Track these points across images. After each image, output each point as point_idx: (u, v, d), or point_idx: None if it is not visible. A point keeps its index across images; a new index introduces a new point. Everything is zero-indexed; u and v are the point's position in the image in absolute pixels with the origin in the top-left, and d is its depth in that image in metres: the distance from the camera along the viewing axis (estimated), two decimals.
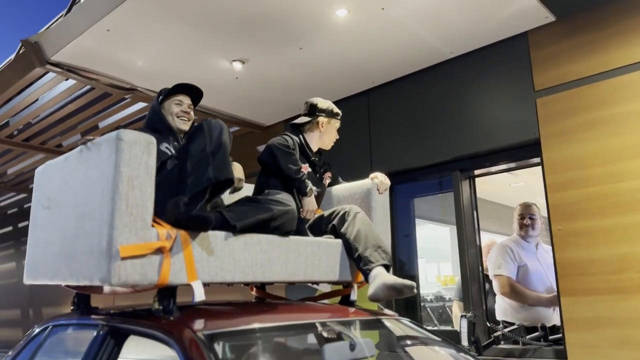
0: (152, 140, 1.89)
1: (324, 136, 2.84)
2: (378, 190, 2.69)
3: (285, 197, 2.32)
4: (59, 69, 3.70)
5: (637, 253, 2.78)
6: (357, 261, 2.35)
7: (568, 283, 2.98)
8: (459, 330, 3.07)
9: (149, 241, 1.79)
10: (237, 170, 2.44)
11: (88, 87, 4.09)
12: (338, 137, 2.91)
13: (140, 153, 1.83)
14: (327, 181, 2.90)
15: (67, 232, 1.96)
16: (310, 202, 2.59)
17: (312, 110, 2.84)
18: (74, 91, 4.22)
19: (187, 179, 1.98)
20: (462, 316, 3.09)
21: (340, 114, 2.90)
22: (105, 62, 3.73)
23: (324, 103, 2.86)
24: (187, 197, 1.92)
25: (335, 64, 3.82)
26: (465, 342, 2.99)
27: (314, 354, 2.12)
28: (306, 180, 2.59)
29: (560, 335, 3.04)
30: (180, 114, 2.41)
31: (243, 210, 2.12)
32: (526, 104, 3.33)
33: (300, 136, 2.80)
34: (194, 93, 2.49)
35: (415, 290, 2.19)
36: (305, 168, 2.67)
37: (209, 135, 2.03)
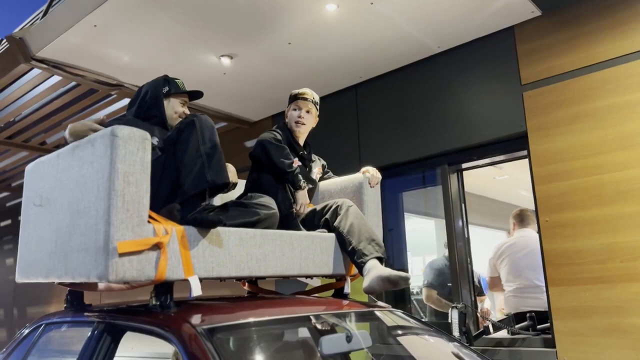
0: (147, 136, 1.88)
1: (289, 124, 2.81)
2: (369, 184, 2.71)
3: (268, 200, 2.37)
4: (44, 65, 3.65)
5: (621, 243, 2.85)
6: (350, 254, 2.37)
7: (555, 273, 3.04)
8: (449, 321, 3.12)
9: (146, 237, 1.79)
10: (231, 171, 2.44)
11: (74, 83, 4.04)
12: (300, 115, 2.77)
13: (136, 149, 1.82)
14: (318, 176, 2.91)
15: (62, 229, 1.94)
16: (303, 196, 2.60)
17: None
18: (59, 87, 4.16)
19: (182, 178, 1.99)
20: (452, 307, 3.14)
21: (295, 94, 2.83)
22: (91, 58, 3.68)
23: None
24: (184, 197, 1.96)
25: (323, 58, 3.83)
26: (456, 332, 3.04)
27: (312, 346, 2.15)
28: (299, 174, 2.59)
29: (548, 324, 3.11)
30: (182, 115, 2.40)
31: (232, 215, 2.16)
32: (513, 98, 3.38)
33: (287, 131, 2.80)
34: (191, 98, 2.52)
35: (410, 282, 2.23)
36: (296, 162, 2.67)
37: (201, 134, 2.03)
